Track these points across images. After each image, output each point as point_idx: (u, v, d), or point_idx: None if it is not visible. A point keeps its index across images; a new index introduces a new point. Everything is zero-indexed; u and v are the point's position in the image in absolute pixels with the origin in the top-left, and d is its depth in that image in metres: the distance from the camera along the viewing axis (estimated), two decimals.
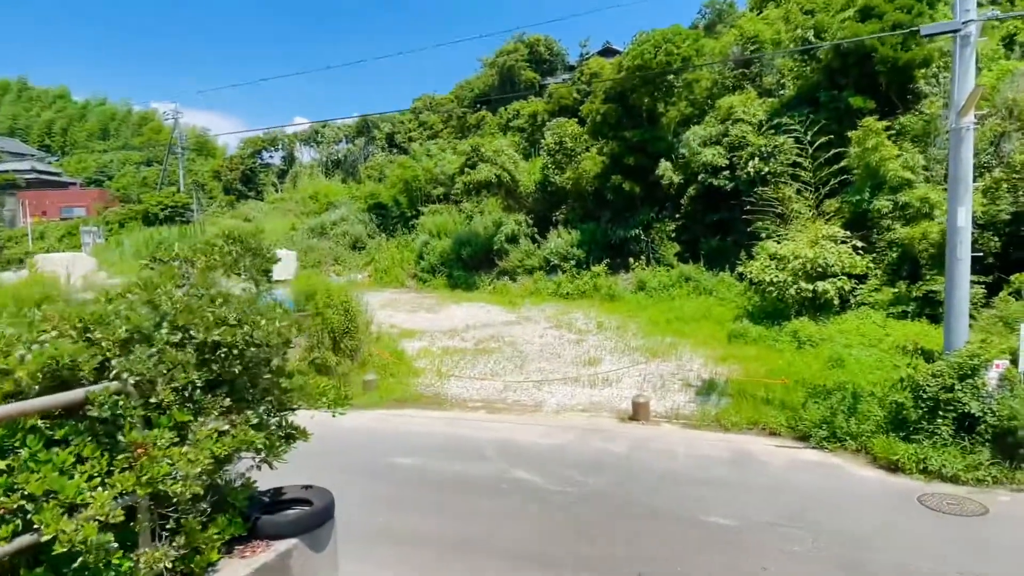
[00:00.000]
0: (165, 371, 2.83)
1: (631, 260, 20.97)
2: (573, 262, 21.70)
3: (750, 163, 18.27)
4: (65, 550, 2.30)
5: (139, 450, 2.60)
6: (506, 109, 48.19)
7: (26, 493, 2.34)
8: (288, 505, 3.68)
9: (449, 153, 33.93)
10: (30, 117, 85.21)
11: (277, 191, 51.53)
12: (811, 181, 16.95)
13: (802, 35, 18.51)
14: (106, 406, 2.53)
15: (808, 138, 17.16)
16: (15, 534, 2.33)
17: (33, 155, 75.65)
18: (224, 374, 3.12)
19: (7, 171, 66.16)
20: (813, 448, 8.79)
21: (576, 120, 24.55)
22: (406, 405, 11.71)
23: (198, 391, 2.99)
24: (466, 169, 23.37)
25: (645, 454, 8.81)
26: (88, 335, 2.72)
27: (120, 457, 2.61)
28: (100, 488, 2.46)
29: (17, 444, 2.46)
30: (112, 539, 2.43)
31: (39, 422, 2.54)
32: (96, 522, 2.36)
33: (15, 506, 2.34)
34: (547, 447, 9.12)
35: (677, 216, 21.19)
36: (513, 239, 23.91)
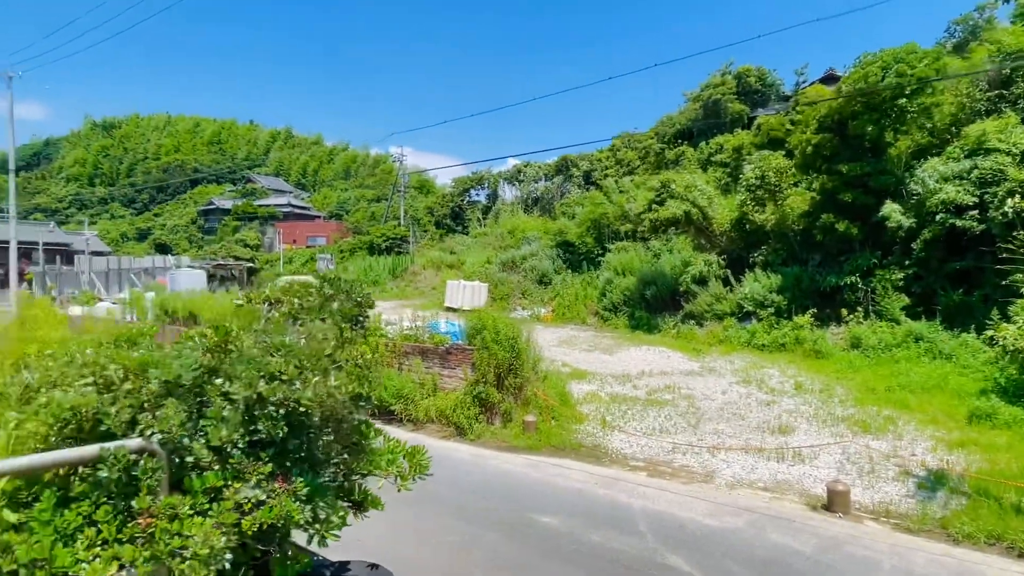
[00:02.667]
0: (198, 428, 2.57)
1: (844, 312, 18.14)
2: (771, 310, 19.40)
3: (1008, 201, 14.80)
4: None
5: (148, 519, 2.33)
6: (707, 143, 46.15)
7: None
8: None
9: (642, 189, 33.10)
10: (292, 160, 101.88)
11: (480, 226, 54.80)
12: None
13: None
14: (116, 466, 2.30)
15: None
16: None
17: (291, 192, 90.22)
18: (271, 434, 2.78)
19: (270, 205, 79.69)
20: None
21: (783, 153, 22.25)
22: (563, 453, 11.05)
23: (238, 451, 2.67)
24: (653, 205, 22.34)
25: (837, 560, 7.08)
26: (126, 385, 2.56)
27: (130, 525, 2.36)
28: (96, 560, 2.22)
29: (30, 499, 2.34)
30: None
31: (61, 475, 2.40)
32: None
33: (6, 570, 2.18)
34: (712, 530, 7.80)
35: (906, 263, 17.92)
36: (701, 280, 22.22)
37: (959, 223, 16.17)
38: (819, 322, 18.50)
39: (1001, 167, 15.70)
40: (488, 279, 33.81)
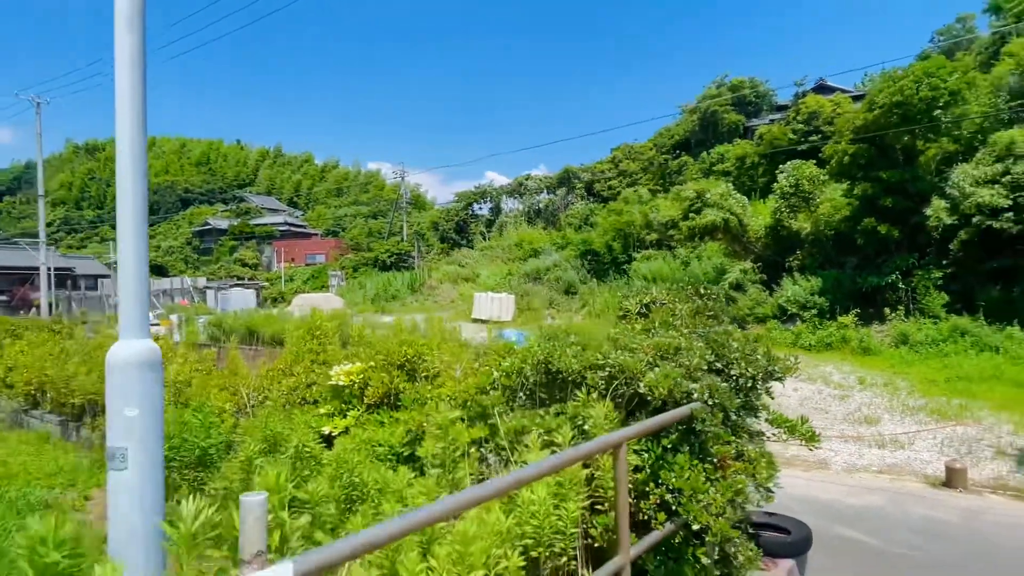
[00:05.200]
0: (723, 397, 3.27)
1: (886, 311, 19.18)
2: (814, 311, 20.37)
3: None
4: (711, 541, 2.76)
5: (727, 462, 3.01)
6: (708, 153, 47.51)
7: (671, 487, 2.85)
8: (757, 527, 3.96)
9: (662, 199, 34.16)
10: (283, 178, 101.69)
11: (485, 239, 55.47)
12: None
13: None
14: (707, 421, 2.99)
15: None
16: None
17: (285, 210, 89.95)
18: (747, 403, 3.48)
19: (266, 224, 79.46)
20: None
21: (814, 162, 23.42)
22: None
23: (735, 416, 3.37)
24: (690, 215, 23.31)
25: (984, 525, 7.87)
26: (667, 362, 3.25)
27: (706, 467, 3.04)
28: (711, 491, 2.90)
29: (642, 448, 3.02)
30: (738, 535, 2.85)
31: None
32: (724, 519, 2.80)
33: (659, 498, 2.86)
34: (861, 508, 8.55)
35: (943, 263, 19.09)
36: (738, 286, 23.19)
37: (995, 224, 17.33)
38: (862, 321, 19.50)
39: None
40: (511, 291, 34.49)
